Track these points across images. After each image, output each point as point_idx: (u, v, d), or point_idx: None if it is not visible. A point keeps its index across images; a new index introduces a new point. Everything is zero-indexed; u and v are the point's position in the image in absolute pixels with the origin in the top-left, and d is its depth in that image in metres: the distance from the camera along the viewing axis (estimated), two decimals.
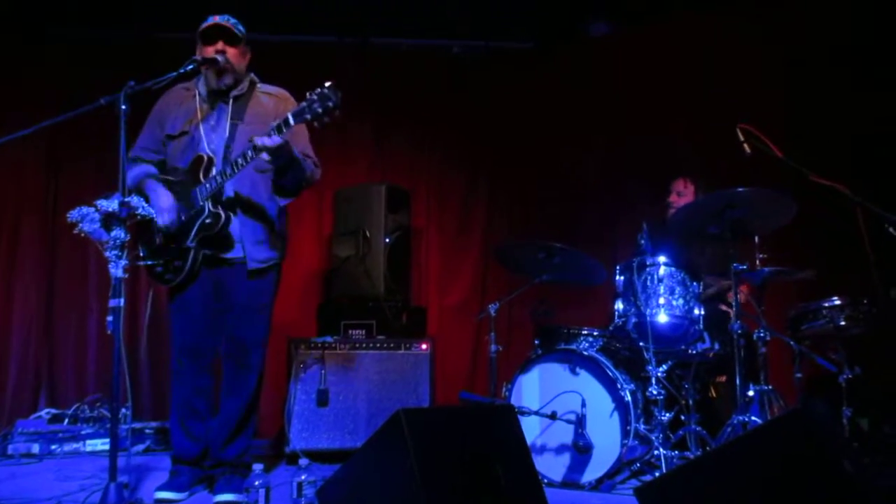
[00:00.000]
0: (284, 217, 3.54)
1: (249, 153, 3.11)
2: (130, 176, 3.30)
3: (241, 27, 3.38)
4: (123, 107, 2.81)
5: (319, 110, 2.94)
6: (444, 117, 5.83)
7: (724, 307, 4.13)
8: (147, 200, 3.23)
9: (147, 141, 3.49)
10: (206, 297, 3.37)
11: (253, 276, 3.37)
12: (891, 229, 3.19)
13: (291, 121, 3.01)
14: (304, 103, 2.99)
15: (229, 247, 3.34)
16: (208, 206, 3.22)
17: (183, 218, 3.26)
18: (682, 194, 4.46)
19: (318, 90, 2.96)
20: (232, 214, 3.30)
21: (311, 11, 5.46)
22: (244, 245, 3.34)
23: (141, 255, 3.32)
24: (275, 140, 3.02)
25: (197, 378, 3.38)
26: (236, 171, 3.16)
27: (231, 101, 3.40)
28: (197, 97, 3.42)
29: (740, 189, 3.39)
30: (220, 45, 3.32)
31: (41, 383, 5.26)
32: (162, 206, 3.24)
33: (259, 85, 3.52)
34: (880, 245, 3.28)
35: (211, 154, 3.28)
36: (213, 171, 3.22)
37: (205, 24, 3.34)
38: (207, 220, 3.22)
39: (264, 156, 3.09)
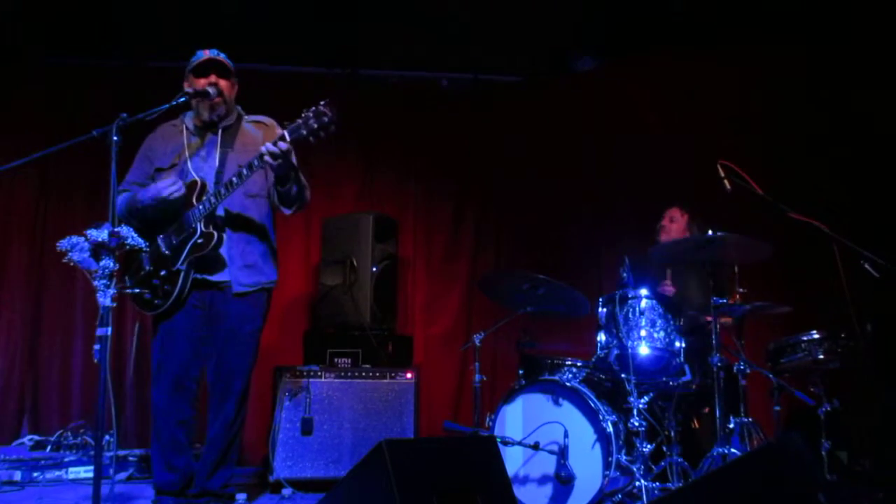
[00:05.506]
0: (274, 243, 3.57)
1: (244, 171, 3.15)
2: (119, 203, 3.32)
3: (229, 61, 3.45)
4: (115, 138, 2.83)
5: (315, 125, 2.99)
6: (432, 148, 5.89)
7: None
8: (141, 215, 3.27)
9: (136, 176, 3.52)
10: (192, 326, 3.38)
11: (241, 300, 3.39)
12: (866, 265, 3.27)
13: (287, 136, 3.04)
14: (299, 120, 3.03)
15: (219, 269, 3.36)
16: (200, 226, 3.25)
17: (175, 241, 3.28)
18: (675, 220, 4.55)
19: (314, 108, 3.00)
20: (224, 234, 3.33)
21: (301, 42, 5.53)
22: (233, 268, 3.37)
23: (127, 284, 3.33)
24: (283, 146, 3.05)
25: (180, 412, 3.38)
26: (230, 190, 3.20)
27: (220, 132, 3.45)
28: (185, 132, 3.48)
29: (718, 234, 3.50)
30: (212, 78, 3.38)
31: (24, 409, 5.24)
32: (167, 183, 3.26)
33: (245, 116, 3.59)
34: (856, 280, 3.35)
35: (203, 179, 3.32)
36: (206, 195, 3.26)
37: (197, 60, 3.40)
38: (199, 241, 3.25)
39: (268, 159, 3.10)
